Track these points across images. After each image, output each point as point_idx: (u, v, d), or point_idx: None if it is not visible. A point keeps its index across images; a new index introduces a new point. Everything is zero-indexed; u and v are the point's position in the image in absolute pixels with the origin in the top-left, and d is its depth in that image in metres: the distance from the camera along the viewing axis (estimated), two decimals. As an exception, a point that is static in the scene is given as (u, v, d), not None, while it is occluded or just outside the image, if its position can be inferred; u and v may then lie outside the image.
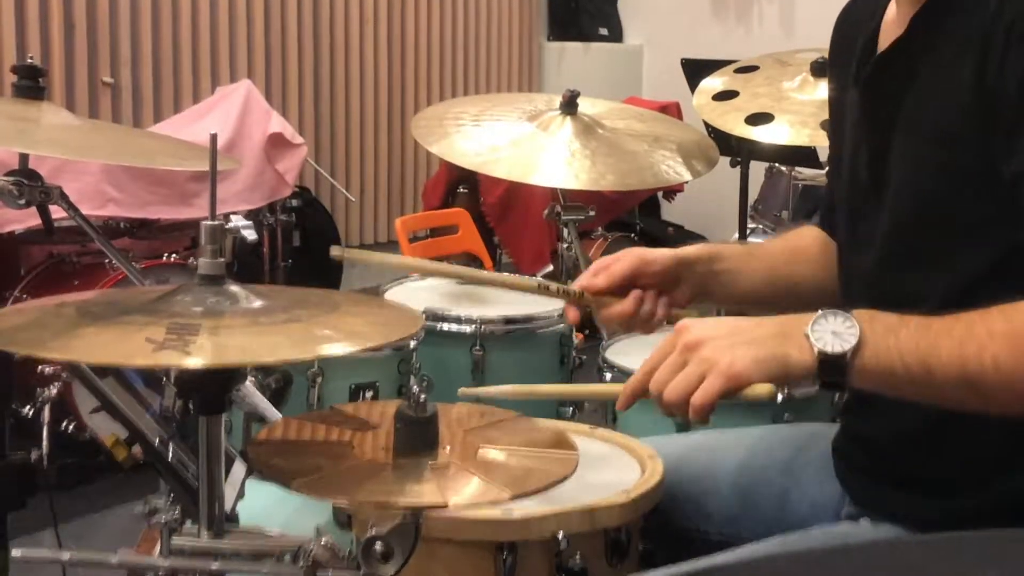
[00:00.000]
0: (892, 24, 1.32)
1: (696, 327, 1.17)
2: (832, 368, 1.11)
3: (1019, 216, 1.14)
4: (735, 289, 1.53)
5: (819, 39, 2.79)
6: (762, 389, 1.14)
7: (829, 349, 1.10)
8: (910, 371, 1.10)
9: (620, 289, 1.47)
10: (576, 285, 1.47)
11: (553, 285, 1.51)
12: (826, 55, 2.56)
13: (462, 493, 1.11)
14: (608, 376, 2.00)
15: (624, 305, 1.45)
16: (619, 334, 2.08)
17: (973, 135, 1.16)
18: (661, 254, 1.48)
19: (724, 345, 1.14)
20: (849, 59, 1.40)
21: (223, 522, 1.16)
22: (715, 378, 1.12)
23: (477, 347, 2.25)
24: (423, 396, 1.16)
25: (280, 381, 1.56)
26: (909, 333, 1.11)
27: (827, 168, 1.57)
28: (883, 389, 1.13)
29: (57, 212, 1.84)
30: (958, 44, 1.18)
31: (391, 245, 5.26)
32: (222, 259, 1.12)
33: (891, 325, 1.12)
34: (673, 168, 2.37)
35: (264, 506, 1.53)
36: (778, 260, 1.55)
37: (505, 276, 1.57)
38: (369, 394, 2.12)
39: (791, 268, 1.52)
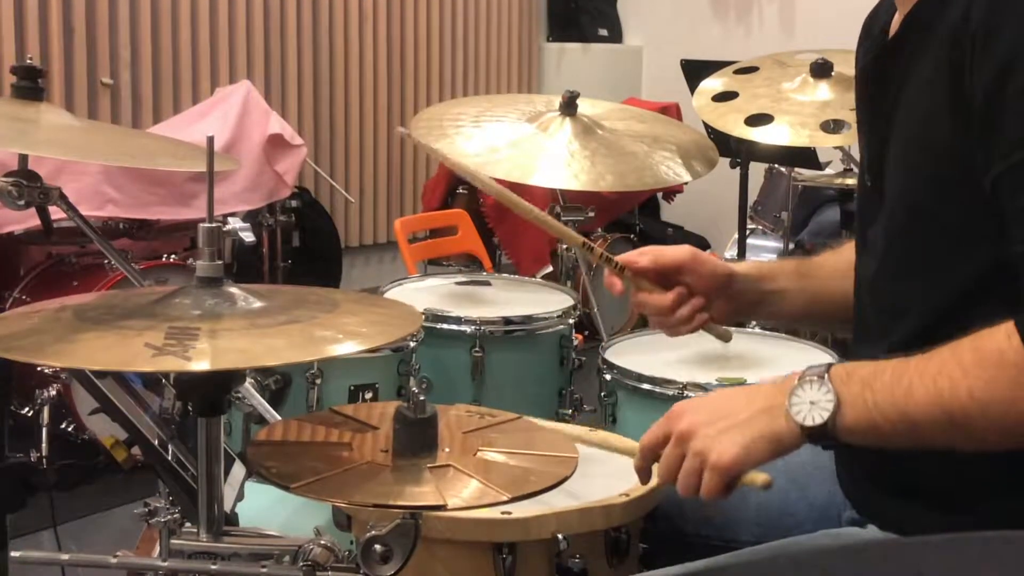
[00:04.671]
0: (896, 27, 1.32)
1: (688, 414, 1.19)
2: (817, 436, 1.13)
3: (1003, 224, 1.13)
4: (778, 309, 1.53)
5: (819, 40, 2.80)
6: (758, 480, 1.17)
7: (809, 422, 1.12)
8: (892, 423, 1.11)
9: (661, 278, 1.46)
10: (620, 258, 1.47)
11: (597, 249, 1.49)
12: (826, 56, 2.59)
13: (461, 494, 1.11)
14: (607, 377, 2.00)
15: (665, 298, 1.45)
16: (616, 328, 2.07)
17: (955, 144, 1.16)
18: (716, 261, 1.48)
19: (712, 434, 1.16)
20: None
21: (222, 523, 1.16)
22: (710, 474, 1.15)
23: (476, 348, 2.25)
24: (422, 397, 1.16)
25: (279, 382, 1.56)
26: (884, 384, 1.11)
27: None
28: (872, 443, 1.14)
29: (56, 213, 1.84)
30: (938, 50, 1.19)
31: (391, 246, 5.27)
32: (220, 261, 1.12)
33: (866, 379, 1.12)
34: (673, 169, 2.37)
35: (263, 507, 1.53)
36: (823, 278, 1.53)
37: (553, 221, 1.53)
38: (368, 395, 2.12)
39: (834, 285, 1.50)
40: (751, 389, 1.21)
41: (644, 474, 1.26)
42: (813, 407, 1.12)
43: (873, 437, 1.13)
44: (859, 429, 1.12)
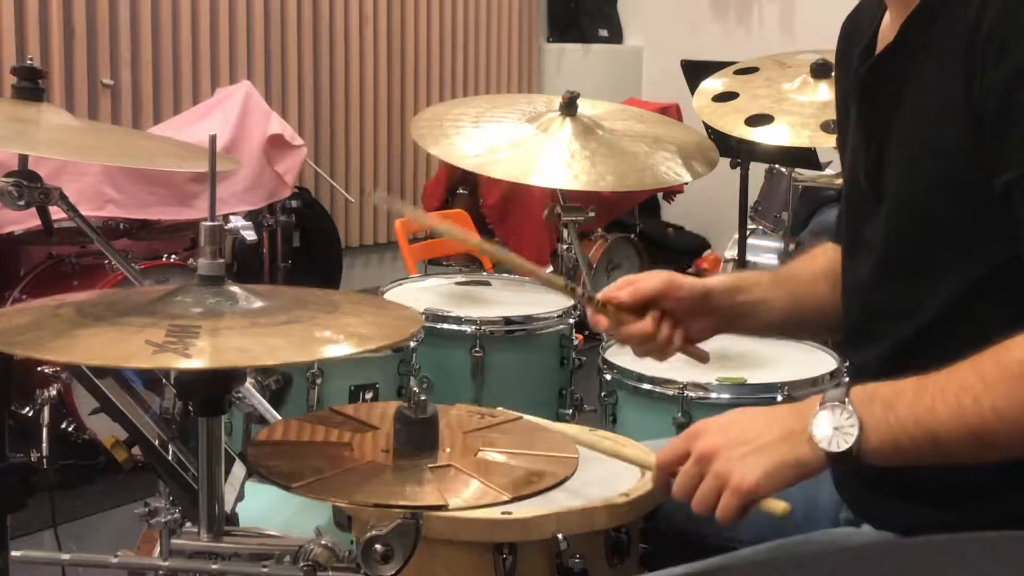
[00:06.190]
0: (887, 31, 1.32)
1: (709, 434, 1.19)
2: (841, 461, 1.13)
3: (1014, 228, 1.13)
4: (759, 320, 1.53)
5: (819, 40, 2.80)
6: (777, 507, 1.16)
7: (834, 448, 1.12)
8: (917, 443, 1.10)
9: (642, 308, 1.46)
10: (600, 295, 1.47)
11: (579, 289, 1.52)
12: (826, 56, 2.59)
13: (462, 494, 1.11)
14: (608, 377, 2.00)
15: (644, 324, 1.45)
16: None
17: (964, 146, 1.16)
18: (691, 282, 1.48)
19: (736, 456, 1.15)
20: (850, 67, 1.40)
21: (223, 523, 1.16)
22: (730, 497, 1.15)
23: (477, 348, 2.25)
24: (423, 397, 1.16)
25: (280, 382, 1.56)
26: (906, 404, 1.11)
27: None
28: (897, 463, 1.14)
29: (57, 213, 1.84)
30: (944, 53, 1.18)
31: (391, 246, 5.27)
32: (221, 260, 1.12)
33: (888, 399, 1.12)
34: (673, 169, 2.37)
35: (264, 507, 1.53)
36: (802, 284, 1.53)
37: (536, 268, 1.54)
38: (369, 395, 2.12)
39: (815, 290, 1.51)
40: (771, 412, 1.20)
41: (664, 488, 1.25)
42: (837, 432, 1.11)
43: (898, 457, 1.12)
44: (884, 451, 1.11)
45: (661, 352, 1.48)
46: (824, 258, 1.55)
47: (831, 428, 1.12)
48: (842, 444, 1.11)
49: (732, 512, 1.15)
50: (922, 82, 1.23)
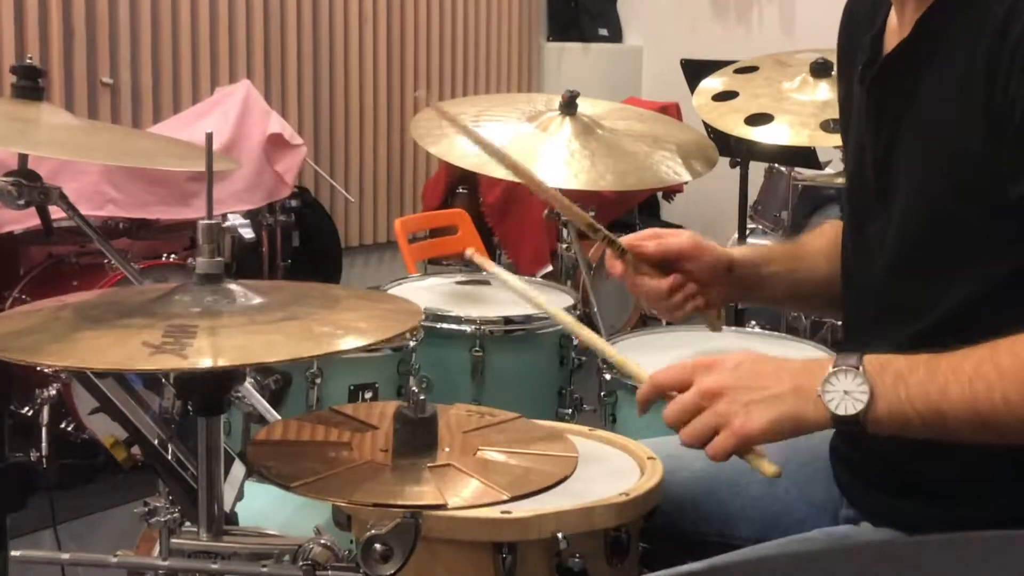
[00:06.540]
0: (897, 23, 1.31)
1: (716, 372, 1.19)
2: (846, 426, 1.13)
3: None
4: (773, 292, 1.55)
5: (819, 40, 2.80)
6: (770, 469, 1.17)
7: (842, 411, 1.12)
8: (924, 419, 1.11)
9: (664, 263, 1.47)
10: (624, 241, 1.47)
11: (602, 230, 1.50)
12: (826, 56, 2.58)
13: (461, 494, 1.11)
14: (608, 377, 1.99)
15: (661, 284, 1.46)
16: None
17: (980, 151, 1.16)
18: (715, 249, 1.50)
19: (742, 401, 1.16)
20: (855, 57, 1.39)
21: (222, 522, 1.16)
22: (728, 437, 1.15)
23: (477, 348, 2.25)
24: (422, 396, 1.16)
25: (279, 382, 1.56)
26: (919, 380, 1.11)
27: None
28: (897, 434, 1.14)
29: (56, 212, 1.84)
30: (964, 53, 1.17)
31: (390, 246, 5.26)
32: (220, 258, 1.12)
33: (901, 372, 1.12)
34: (672, 168, 2.37)
35: (263, 506, 1.53)
36: (817, 259, 1.55)
37: (564, 200, 1.52)
38: (368, 395, 2.12)
39: (828, 266, 1.52)
40: (781, 363, 1.20)
41: (645, 406, 1.25)
42: (847, 396, 1.12)
43: (901, 429, 1.13)
44: (889, 421, 1.12)
45: (670, 313, 1.49)
46: (824, 238, 1.56)
47: (842, 391, 1.12)
48: (850, 409, 1.12)
49: (724, 452, 1.16)
50: (938, 80, 1.22)
